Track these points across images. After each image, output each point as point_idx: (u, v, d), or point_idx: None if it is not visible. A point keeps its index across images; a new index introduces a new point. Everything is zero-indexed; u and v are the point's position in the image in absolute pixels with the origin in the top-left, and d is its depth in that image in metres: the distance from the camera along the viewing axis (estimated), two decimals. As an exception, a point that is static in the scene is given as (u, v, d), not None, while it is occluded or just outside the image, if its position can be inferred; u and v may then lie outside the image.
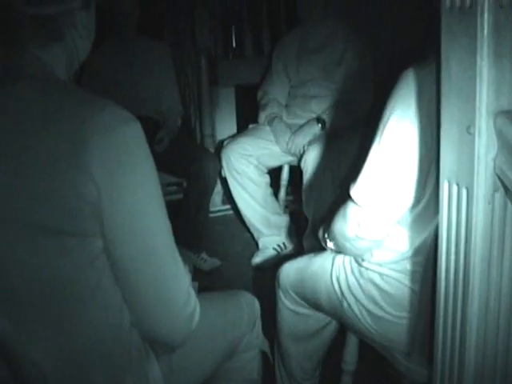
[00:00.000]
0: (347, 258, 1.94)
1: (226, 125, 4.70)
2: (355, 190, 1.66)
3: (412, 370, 1.84)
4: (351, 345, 2.20)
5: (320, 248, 3.34)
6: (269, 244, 3.90)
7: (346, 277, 1.93)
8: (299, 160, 3.73)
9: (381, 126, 1.61)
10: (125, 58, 4.01)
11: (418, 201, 1.64)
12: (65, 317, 1.29)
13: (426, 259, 1.70)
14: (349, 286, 1.91)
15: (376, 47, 3.86)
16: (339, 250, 1.93)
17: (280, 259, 3.83)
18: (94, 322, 1.32)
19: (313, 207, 3.61)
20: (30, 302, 1.25)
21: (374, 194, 1.63)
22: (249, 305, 1.90)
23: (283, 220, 3.98)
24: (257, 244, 3.96)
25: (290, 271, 2.21)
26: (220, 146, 4.04)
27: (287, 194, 4.23)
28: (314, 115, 3.84)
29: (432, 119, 1.50)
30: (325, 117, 3.77)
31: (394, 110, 1.57)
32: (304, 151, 3.66)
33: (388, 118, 1.58)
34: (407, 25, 3.57)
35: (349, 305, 1.91)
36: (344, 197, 1.76)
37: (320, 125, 3.76)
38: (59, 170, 1.17)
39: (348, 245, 1.80)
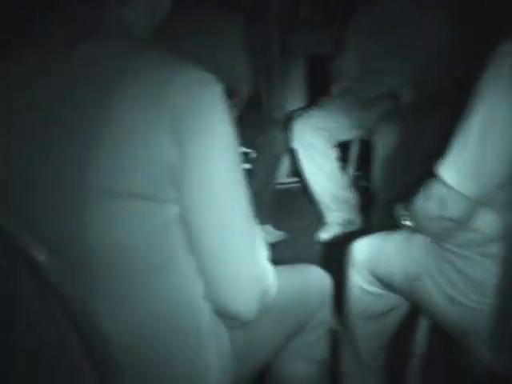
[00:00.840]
0: (426, 238, 1.87)
1: (295, 96, 4.62)
2: (444, 168, 1.58)
3: (488, 357, 1.77)
4: (422, 327, 2.13)
5: (390, 226, 3.29)
6: (335, 219, 3.85)
7: (424, 258, 1.86)
8: (370, 135, 3.65)
9: (472, 104, 1.52)
10: (201, 22, 3.95)
11: (508, 181, 1.56)
12: (137, 285, 1.26)
13: (510, 243, 1.63)
14: (427, 268, 1.84)
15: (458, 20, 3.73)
16: (418, 230, 1.85)
17: (346, 235, 3.81)
18: (166, 291, 1.29)
19: (383, 184, 3.53)
20: (105, 268, 1.23)
21: (464, 173, 1.55)
22: (321, 281, 1.85)
23: (351, 195, 3.91)
24: (323, 219, 3.90)
25: (363, 248, 2.15)
26: (290, 118, 3.98)
27: (356, 169, 4.15)
28: (387, 90, 3.73)
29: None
30: (398, 91, 3.66)
31: (487, 87, 1.49)
32: (376, 126, 3.58)
33: (481, 96, 1.50)
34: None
35: (425, 287, 1.84)
36: (424, 175, 1.69)
37: (393, 100, 3.66)
38: (140, 132, 1.14)
39: (430, 225, 1.73)
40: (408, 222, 1.87)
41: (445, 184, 1.58)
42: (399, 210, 1.93)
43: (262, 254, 1.33)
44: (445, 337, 1.99)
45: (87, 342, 1.19)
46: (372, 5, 3.92)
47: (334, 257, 3.47)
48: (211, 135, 1.18)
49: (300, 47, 4.53)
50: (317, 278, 1.83)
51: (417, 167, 3.21)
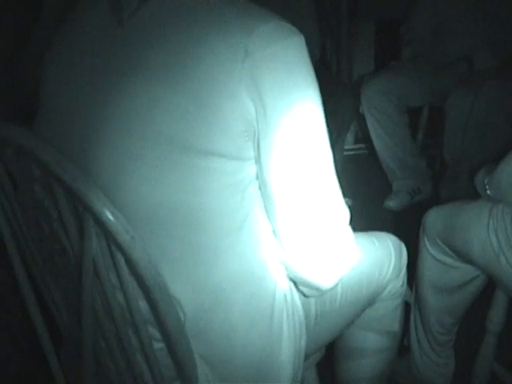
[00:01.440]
0: (508, 208, 1.77)
1: (363, 60, 4.52)
2: None
3: None
4: (500, 303, 2.04)
5: (463, 195, 3.18)
6: (403, 187, 3.76)
7: (506, 229, 1.76)
8: (443, 101, 3.53)
9: None
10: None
11: None
12: (214, 246, 1.20)
13: None
14: (509, 240, 1.74)
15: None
16: (500, 199, 1.76)
17: (415, 203, 3.71)
18: (244, 253, 1.23)
19: (455, 152, 3.40)
20: (175, 228, 1.17)
21: None
22: (396, 249, 1.76)
23: (420, 163, 3.81)
24: (390, 186, 3.81)
25: (438, 218, 2.05)
26: (359, 82, 3.88)
27: (426, 136, 4.02)
28: (462, 54, 3.59)
29: None
30: (473, 57, 3.52)
31: None
32: (449, 92, 3.45)
33: None
34: None
35: (507, 260, 1.75)
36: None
37: (467, 64, 3.53)
38: (219, 84, 1.08)
39: None
40: (490, 192, 1.78)
41: None
42: (481, 178, 1.84)
43: (344, 218, 1.25)
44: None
45: (156, 309, 1.14)
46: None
47: (404, 225, 3.41)
48: (291, 88, 1.12)
49: (369, 9, 4.41)
50: (392, 247, 1.74)
51: (494, 134, 3.10)
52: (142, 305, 1.16)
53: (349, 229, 1.27)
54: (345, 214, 1.25)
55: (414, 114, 3.88)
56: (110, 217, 1.02)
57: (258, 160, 1.15)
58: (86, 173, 1.06)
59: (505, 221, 1.77)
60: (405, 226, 3.46)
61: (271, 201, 1.19)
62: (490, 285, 2.05)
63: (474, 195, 1.94)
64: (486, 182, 1.79)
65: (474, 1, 3.57)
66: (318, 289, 1.30)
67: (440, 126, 3.91)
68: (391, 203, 3.73)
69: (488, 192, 1.79)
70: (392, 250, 1.74)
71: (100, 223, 1.03)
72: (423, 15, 3.83)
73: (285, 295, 1.34)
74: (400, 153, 3.72)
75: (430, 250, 2.07)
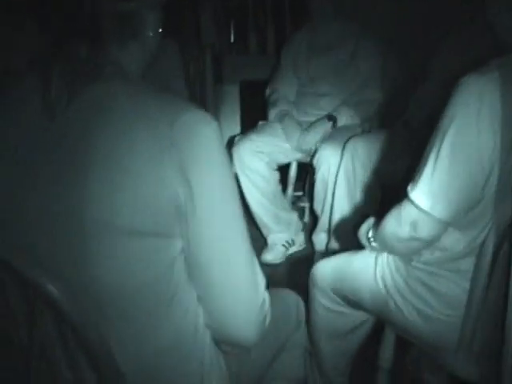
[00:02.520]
0: (392, 256, 1.97)
1: (230, 121, 4.69)
2: (415, 192, 1.68)
3: (459, 367, 1.87)
4: (389, 341, 2.21)
5: (336, 245, 3.39)
6: (278, 240, 3.92)
7: (392, 276, 1.95)
8: (310, 157, 3.76)
9: (440, 133, 1.63)
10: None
11: (476, 203, 1.67)
12: (148, 318, 1.31)
13: (479, 259, 1.74)
14: (395, 286, 1.93)
15: (389, 46, 3.88)
16: (385, 250, 1.95)
17: (289, 256, 3.91)
18: (175, 323, 1.34)
19: (325, 205, 3.63)
20: (114, 303, 1.27)
21: (435, 196, 1.65)
22: (295, 304, 1.91)
23: (292, 216, 4.00)
24: (265, 240, 3.97)
25: (326, 270, 2.22)
26: (230, 143, 4.03)
27: (295, 190, 4.23)
28: (325, 113, 3.86)
29: (495, 125, 1.55)
30: (335, 114, 3.79)
31: (454, 117, 1.60)
32: (315, 149, 3.68)
33: (449, 125, 1.61)
34: (423, 23, 3.64)
35: (396, 304, 1.93)
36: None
37: (331, 122, 3.78)
38: (148, 171, 1.20)
39: (399, 245, 1.83)
40: (375, 245, 1.96)
41: (416, 207, 1.68)
42: (364, 232, 2.02)
43: (263, 281, 1.39)
44: (412, 351, 2.07)
45: (100, 371, 1.23)
46: (306, 31, 4.05)
47: (278, 277, 3.57)
48: (213, 169, 1.26)
49: (234, 73, 4.60)
50: (292, 301, 1.90)
51: (363, 188, 3.33)
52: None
53: (266, 292, 1.41)
54: (262, 279, 1.39)
55: (283, 170, 4.08)
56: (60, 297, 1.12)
57: (185, 235, 1.27)
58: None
59: (390, 268, 1.96)
60: (281, 277, 3.63)
61: (197, 270, 1.32)
62: (381, 325, 2.21)
63: (347, 246, 2.10)
64: (370, 236, 1.97)
65: (335, 65, 3.84)
66: (242, 346, 1.43)
67: (307, 180, 4.16)
68: (268, 257, 3.87)
69: (373, 244, 1.97)
70: (292, 304, 1.89)
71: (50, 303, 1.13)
72: (286, 78, 4.07)
73: (211, 354, 1.46)
74: (272, 208, 3.88)
75: (321, 301, 2.22)
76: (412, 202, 1.69)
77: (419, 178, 1.67)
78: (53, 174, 1.24)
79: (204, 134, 1.25)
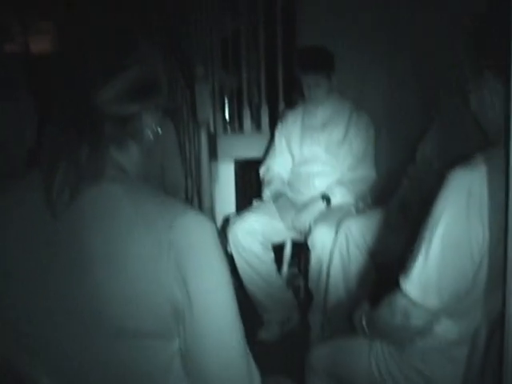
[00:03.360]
0: (386, 343, 1.98)
1: (225, 200, 4.72)
2: (407, 283, 1.70)
3: None
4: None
5: (330, 324, 3.39)
6: (273, 319, 3.93)
7: (386, 362, 1.96)
8: (304, 236, 3.79)
9: (430, 225, 1.67)
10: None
11: (467, 293, 1.69)
12: None
13: (472, 347, 1.75)
14: (390, 372, 1.94)
15: (380, 124, 3.96)
16: (379, 338, 1.96)
17: (284, 333, 3.89)
18: None
19: (320, 284, 3.64)
20: None
21: (427, 287, 1.68)
22: None
23: (287, 295, 4.01)
24: (261, 319, 3.96)
25: (321, 355, 2.23)
26: (225, 223, 4.06)
27: (290, 268, 4.25)
28: (318, 192, 3.90)
29: (484, 218, 1.59)
30: (329, 193, 3.83)
31: (444, 210, 1.64)
32: (309, 228, 3.72)
33: (439, 218, 1.65)
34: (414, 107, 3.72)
35: None
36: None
37: (325, 201, 3.82)
38: (147, 272, 1.23)
39: (392, 334, 1.85)
40: (368, 331, 1.97)
41: (408, 298, 1.71)
42: (358, 318, 2.04)
43: (255, 372, 1.39)
44: None
45: None
46: (299, 110, 4.13)
47: (273, 355, 3.54)
48: (210, 269, 1.29)
49: (229, 151, 4.66)
50: None
51: (357, 267, 3.35)
52: None
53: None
54: (255, 368, 1.40)
55: (278, 249, 4.10)
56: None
57: (182, 333, 1.29)
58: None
59: (384, 353, 1.97)
60: (276, 356, 3.61)
61: (194, 365, 1.32)
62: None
63: (342, 327, 2.11)
64: (364, 323, 1.99)
65: (328, 143, 3.90)
66: None
67: (302, 258, 4.18)
68: (263, 335, 3.87)
69: (366, 331, 1.98)
70: None
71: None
72: (280, 157, 4.13)
73: None
74: (268, 287, 3.89)
75: (316, 384, 2.23)
76: (404, 293, 1.71)
77: (411, 269, 1.70)
78: (53, 272, 1.26)
79: (201, 237, 1.28)
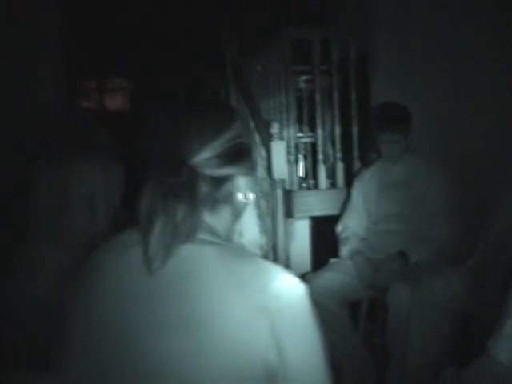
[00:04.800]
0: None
1: (300, 256, 4.71)
2: (497, 347, 1.69)
3: None
4: None
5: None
6: (349, 377, 3.87)
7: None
8: (381, 294, 3.75)
9: None
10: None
11: None
12: None
13: None
14: None
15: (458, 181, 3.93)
16: None
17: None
18: None
19: (398, 342, 3.59)
20: None
21: None
22: None
23: (363, 353, 3.96)
24: (337, 377, 3.91)
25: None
26: (301, 280, 4.05)
27: (366, 325, 4.20)
28: (395, 250, 3.88)
29: None
30: (407, 251, 3.80)
31: None
32: (387, 286, 3.68)
33: None
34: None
35: None
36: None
37: (402, 259, 3.79)
38: (239, 334, 1.24)
39: None
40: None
41: (498, 362, 1.68)
42: (443, 381, 2.00)
43: None
44: None
45: None
46: (375, 168, 4.13)
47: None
48: (304, 333, 1.30)
49: (304, 207, 4.68)
50: None
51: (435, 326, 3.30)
52: None
53: None
54: None
55: (354, 306, 4.07)
56: None
57: None
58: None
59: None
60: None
61: None
62: None
63: None
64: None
65: (405, 202, 3.89)
66: None
67: (378, 316, 4.13)
68: (340, 394, 3.82)
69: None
70: None
71: None
72: (357, 215, 4.13)
73: None
74: (344, 346, 3.86)
75: None
76: (493, 357, 1.69)
77: (499, 332, 1.68)
78: (143, 329, 1.29)
79: (295, 300, 1.29)
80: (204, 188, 1.35)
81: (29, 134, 3.11)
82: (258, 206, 4.73)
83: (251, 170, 1.46)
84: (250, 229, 4.13)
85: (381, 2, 4.98)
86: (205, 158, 1.34)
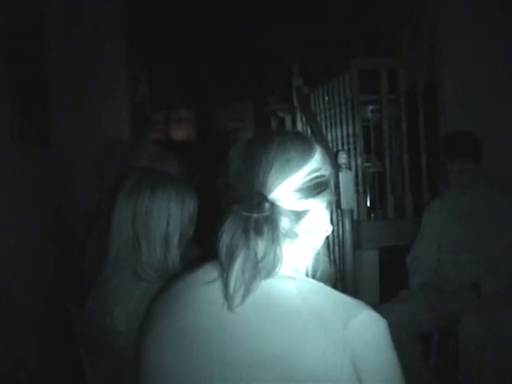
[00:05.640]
0: None
1: (369, 288, 4.67)
2: None
3: None
4: None
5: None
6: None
7: None
8: (453, 326, 3.69)
9: None
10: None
11: None
12: None
13: None
14: None
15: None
16: None
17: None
18: None
19: (470, 377, 3.52)
20: None
21: None
22: None
23: (435, 387, 3.90)
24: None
25: None
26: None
27: (437, 358, 4.14)
28: (467, 281, 3.80)
29: None
30: (479, 282, 3.73)
31: None
32: (458, 317, 3.62)
33: None
34: None
35: None
36: None
37: (474, 291, 3.72)
38: (321, 372, 1.22)
39: None
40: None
41: None
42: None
43: None
44: None
45: None
46: (445, 198, 4.09)
47: None
48: (386, 370, 1.28)
49: (373, 238, 4.65)
50: None
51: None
52: None
53: None
54: None
55: (425, 338, 4.01)
56: None
57: None
58: None
59: None
60: None
61: None
62: None
63: None
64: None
65: (477, 231, 3.83)
66: None
67: (450, 348, 4.06)
68: (412, 429, 3.75)
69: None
70: None
71: None
72: (427, 245, 4.08)
73: None
74: (415, 378, 3.80)
75: None
76: None
77: None
78: (224, 366, 1.28)
79: (376, 336, 1.28)
80: (284, 222, 1.35)
81: (107, 170, 3.18)
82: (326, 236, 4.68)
83: (330, 202, 1.46)
84: (319, 260, 4.08)
85: (445, 28, 4.94)
86: (286, 192, 1.34)
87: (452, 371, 3.93)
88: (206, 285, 1.35)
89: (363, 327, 1.26)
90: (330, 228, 1.48)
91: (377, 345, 1.27)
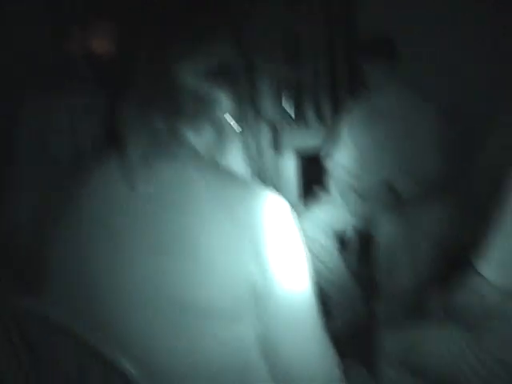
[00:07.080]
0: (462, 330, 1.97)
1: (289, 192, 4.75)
2: (483, 264, 1.70)
3: None
4: None
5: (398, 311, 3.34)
6: (337, 308, 3.91)
7: (463, 350, 1.94)
8: (368, 225, 3.81)
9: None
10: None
11: None
12: None
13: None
14: (467, 361, 1.92)
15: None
16: (454, 321, 1.95)
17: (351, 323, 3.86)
18: None
19: (386, 271, 3.62)
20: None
21: (504, 268, 1.67)
22: None
23: (351, 283, 4.01)
24: (325, 309, 3.93)
25: (394, 341, 2.21)
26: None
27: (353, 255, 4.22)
28: (385, 181, 3.85)
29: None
30: (394, 183, 3.81)
31: None
32: (374, 216, 3.72)
33: None
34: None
35: None
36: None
37: (391, 191, 3.81)
38: (224, 251, 1.22)
39: (468, 317, 1.85)
40: (442, 314, 1.96)
41: (484, 278, 1.69)
42: (431, 301, 2.02)
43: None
44: None
45: None
46: (364, 100, 4.10)
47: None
48: (287, 248, 1.27)
49: (292, 144, 4.68)
50: None
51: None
52: None
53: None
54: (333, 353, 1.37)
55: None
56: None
57: (261, 318, 1.27)
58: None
59: (461, 341, 1.96)
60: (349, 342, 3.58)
61: (272, 354, 1.30)
62: None
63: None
64: (438, 306, 1.97)
65: (390, 134, 3.87)
66: None
67: (366, 246, 4.13)
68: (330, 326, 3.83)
69: (441, 315, 1.97)
70: None
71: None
72: (345, 148, 4.11)
73: None
74: (331, 276, 3.89)
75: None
76: (479, 274, 1.70)
77: (485, 249, 1.69)
78: (128, 247, 1.27)
79: (278, 216, 1.27)
80: (187, 104, 1.32)
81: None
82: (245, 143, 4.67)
83: (242, 98, 1.40)
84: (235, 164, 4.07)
85: None
86: (187, 69, 1.30)
87: (368, 269, 4.04)
88: (108, 171, 1.33)
89: (265, 209, 1.26)
90: (239, 127, 1.44)
91: (279, 226, 1.27)
